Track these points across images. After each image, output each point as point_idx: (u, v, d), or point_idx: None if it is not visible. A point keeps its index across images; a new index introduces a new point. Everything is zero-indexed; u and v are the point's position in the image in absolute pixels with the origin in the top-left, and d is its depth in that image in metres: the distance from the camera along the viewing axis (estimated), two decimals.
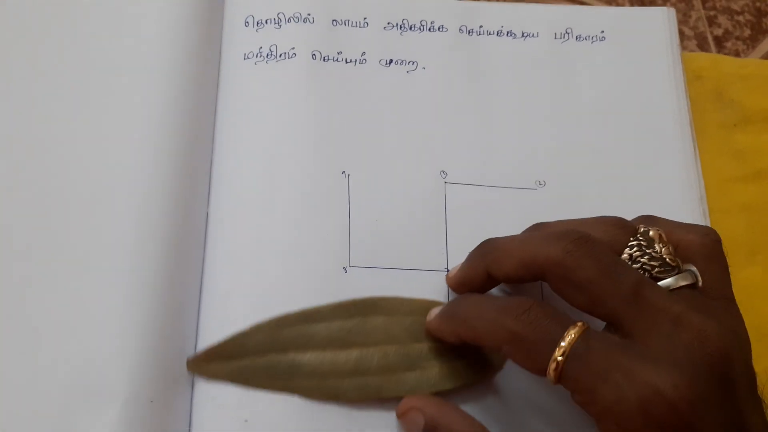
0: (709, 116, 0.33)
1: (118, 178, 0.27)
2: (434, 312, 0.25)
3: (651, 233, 0.23)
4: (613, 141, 0.31)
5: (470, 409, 0.25)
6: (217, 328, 0.27)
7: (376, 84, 0.31)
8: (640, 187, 0.31)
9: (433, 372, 0.25)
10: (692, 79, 0.34)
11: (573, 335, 0.20)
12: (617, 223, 0.23)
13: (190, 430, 0.25)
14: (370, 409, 0.25)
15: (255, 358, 0.25)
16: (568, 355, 0.20)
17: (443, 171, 0.30)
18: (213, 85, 0.31)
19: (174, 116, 0.29)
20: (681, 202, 0.30)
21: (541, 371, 0.21)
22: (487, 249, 0.24)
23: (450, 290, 0.27)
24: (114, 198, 0.27)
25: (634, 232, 0.23)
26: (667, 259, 0.22)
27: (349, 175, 0.29)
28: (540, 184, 0.30)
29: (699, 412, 0.19)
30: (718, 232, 0.30)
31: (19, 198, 0.27)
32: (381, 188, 0.29)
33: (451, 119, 0.31)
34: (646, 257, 0.22)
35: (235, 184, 0.29)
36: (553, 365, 0.20)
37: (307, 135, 0.30)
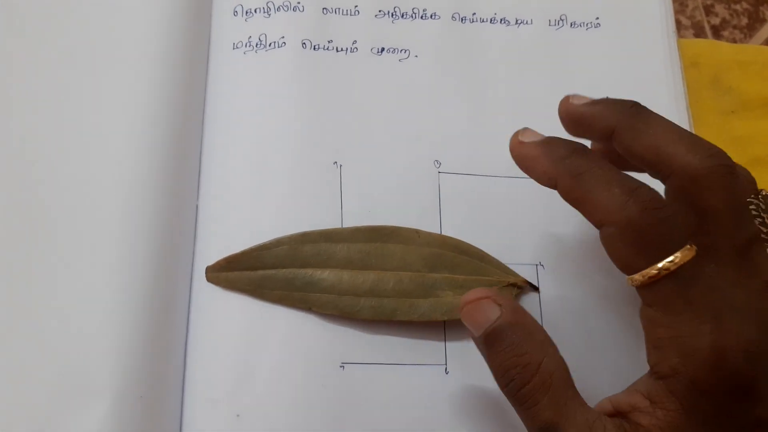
0: (706, 103, 0.33)
1: (105, 172, 0.27)
2: (529, 136, 0.22)
3: None
4: None
5: None
6: (207, 323, 0.26)
7: (368, 73, 0.31)
8: (635, 175, 0.30)
9: (446, 300, 0.26)
10: (689, 66, 0.33)
11: (688, 254, 0.19)
12: (745, 174, 0.22)
13: (181, 425, 0.25)
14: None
15: (274, 271, 0.26)
16: (673, 271, 0.19)
17: (437, 160, 0.29)
18: (202, 75, 0.30)
19: (162, 107, 0.28)
20: None
21: (631, 270, 0.19)
22: (633, 111, 0.21)
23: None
24: (101, 193, 0.26)
25: (756, 191, 0.22)
26: None
27: (341, 165, 0.29)
28: None
29: (764, 373, 0.19)
30: None
31: (5, 193, 0.26)
32: (374, 178, 0.29)
33: (444, 108, 0.30)
34: (758, 220, 0.21)
35: (225, 176, 0.29)
36: (653, 272, 0.19)
37: (297, 125, 0.29)
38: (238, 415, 0.24)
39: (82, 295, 0.25)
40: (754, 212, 0.21)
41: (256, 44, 0.30)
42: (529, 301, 0.27)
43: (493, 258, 0.28)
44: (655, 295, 0.19)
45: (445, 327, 0.27)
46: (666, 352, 0.19)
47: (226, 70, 0.30)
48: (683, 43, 0.34)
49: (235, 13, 0.31)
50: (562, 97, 0.31)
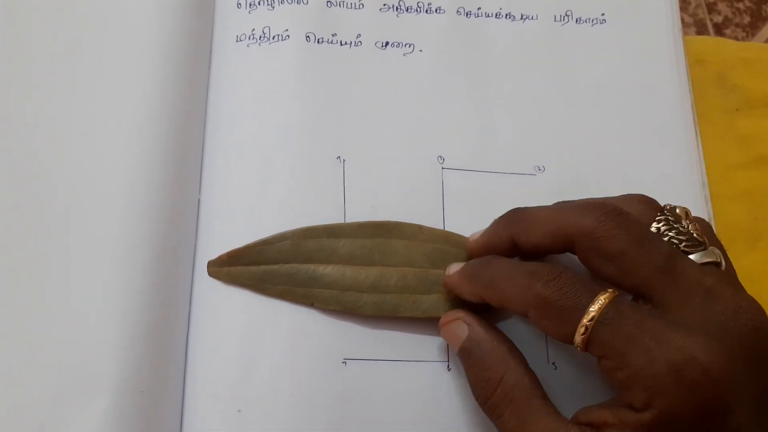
0: (711, 101, 0.33)
1: (106, 166, 0.27)
2: (453, 268, 0.25)
3: (678, 210, 0.23)
4: (614, 126, 0.31)
5: None
6: (209, 317, 0.26)
7: (372, 67, 0.30)
8: (640, 173, 0.30)
9: (450, 297, 0.26)
10: (694, 63, 0.33)
11: (603, 301, 0.20)
12: (643, 199, 0.23)
13: (182, 421, 0.25)
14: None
15: (277, 266, 0.26)
16: (597, 320, 0.20)
17: (440, 156, 0.29)
18: (205, 67, 0.30)
19: (165, 100, 0.28)
20: (682, 187, 0.30)
21: (568, 338, 0.20)
22: (516, 217, 0.24)
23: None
24: (102, 187, 0.26)
25: (660, 209, 0.23)
26: (695, 235, 0.22)
27: (344, 160, 0.28)
28: (539, 170, 0.30)
29: (732, 381, 0.19)
30: (720, 217, 0.30)
31: (6, 187, 0.26)
32: (377, 174, 0.29)
33: (448, 103, 0.30)
34: (673, 231, 0.22)
35: (227, 170, 0.28)
36: (581, 330, 0.20)
37: (300, 119, 0.29)
38: (239, 411, 0.24)
39: (83, 289, 0.25)
40: (665, 227, 0.22)
41: (260, 37, 0.30)
42: None
43: None
44: (599, 348, 0.20)
45: None
46: (633, 390, 0.19)
47: (229, 63, 0.30)
48: (689, 40, 0.33)
49: (239, 5, 0.31)
50: (566, 92, 0.31)
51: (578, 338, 0.20)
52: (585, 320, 0.20)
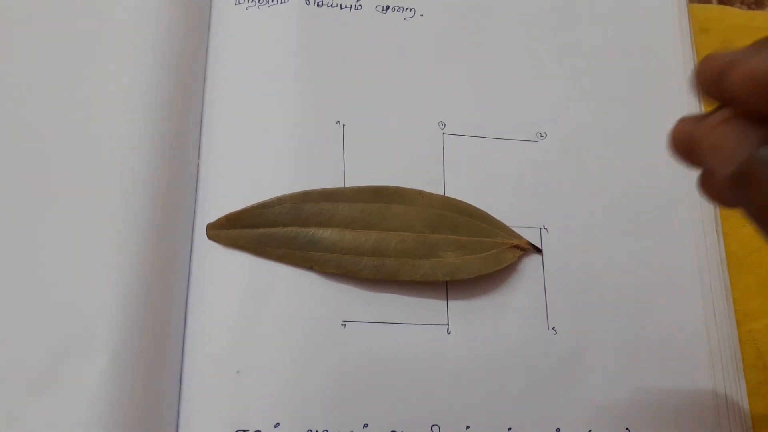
0: None
1: (106, 128, 0.26)
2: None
3: None
4: (616, 93, 0.30)
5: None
6: (208, 280, 0.26)
7: (373, 31, 0.30)
8: (642, 141, 0.30)
9: (449, 261, 0.26)
10: (699, 32, 0.33)
11: None
12: None
13: (181, 381, 0.25)
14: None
15: (276, 229, 0.26)
16: None
17: (441, 122, 0.29)
18: (204, 31, 0.30)
19: (164, 63, 0.27)
20: None
21: None
22: None
23: None
24: (102, 149, 0.26)
25: None
26: None
27: (344, 125, 0.28)
28: (540, 136, 0.29)
29: None
30: None
31: (11, 144, 0.26)
32: (377, 139, 0.28)
33: (450, 68, 0.30)
34: None
35: (226, 133, 0.28)
36: None
37: (300, 83, 0.29)
38: (238, 372, 0.24)
39: (84, 249, 0.24)
40: None
41: (259, 0, 0.30)
42: (532, 264, 0.27)
43: (497, 220, 0.27)
44: None
45: (447, 288, 0.26)
46: None
47: (228, 27, 0.30)
48: (694, 8, 0.33)
49: None
50: (569, 58, 0.31)
51: None
52: None
